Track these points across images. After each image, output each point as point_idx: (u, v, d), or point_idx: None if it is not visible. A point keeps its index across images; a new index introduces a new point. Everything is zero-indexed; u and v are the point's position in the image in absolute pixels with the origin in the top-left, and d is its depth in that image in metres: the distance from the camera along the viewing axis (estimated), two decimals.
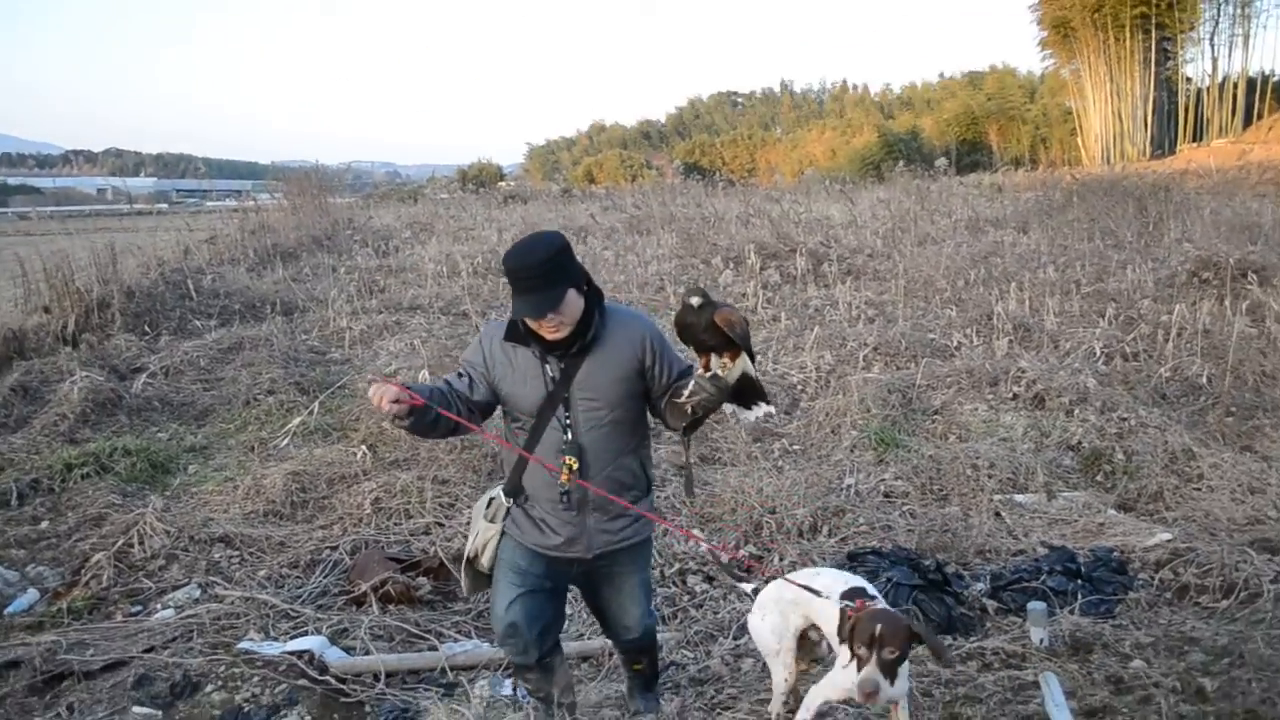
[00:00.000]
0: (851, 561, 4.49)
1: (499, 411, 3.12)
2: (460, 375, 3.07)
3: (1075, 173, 21.44)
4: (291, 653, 3.73)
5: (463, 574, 3.23)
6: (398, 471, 5.61)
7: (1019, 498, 5.37)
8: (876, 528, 4.98)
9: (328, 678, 3.59)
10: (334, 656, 3.76)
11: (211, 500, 5.58)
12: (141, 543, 4.86)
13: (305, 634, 3.96)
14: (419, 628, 4.02)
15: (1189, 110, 37.92)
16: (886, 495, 5.47)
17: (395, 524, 5.07)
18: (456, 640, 3.95)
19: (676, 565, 4.59)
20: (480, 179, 44.55)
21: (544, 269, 2.83)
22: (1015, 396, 6.82)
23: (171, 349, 9.27)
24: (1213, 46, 39.08)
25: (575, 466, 2.95)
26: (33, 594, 4.54)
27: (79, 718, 3.42)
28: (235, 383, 8.17)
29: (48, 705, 3.56)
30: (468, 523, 4.75)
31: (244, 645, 3.85)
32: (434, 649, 3.87)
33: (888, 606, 2.98)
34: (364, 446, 6.01)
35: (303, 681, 3.58)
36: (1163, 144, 37.03)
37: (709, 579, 4.49)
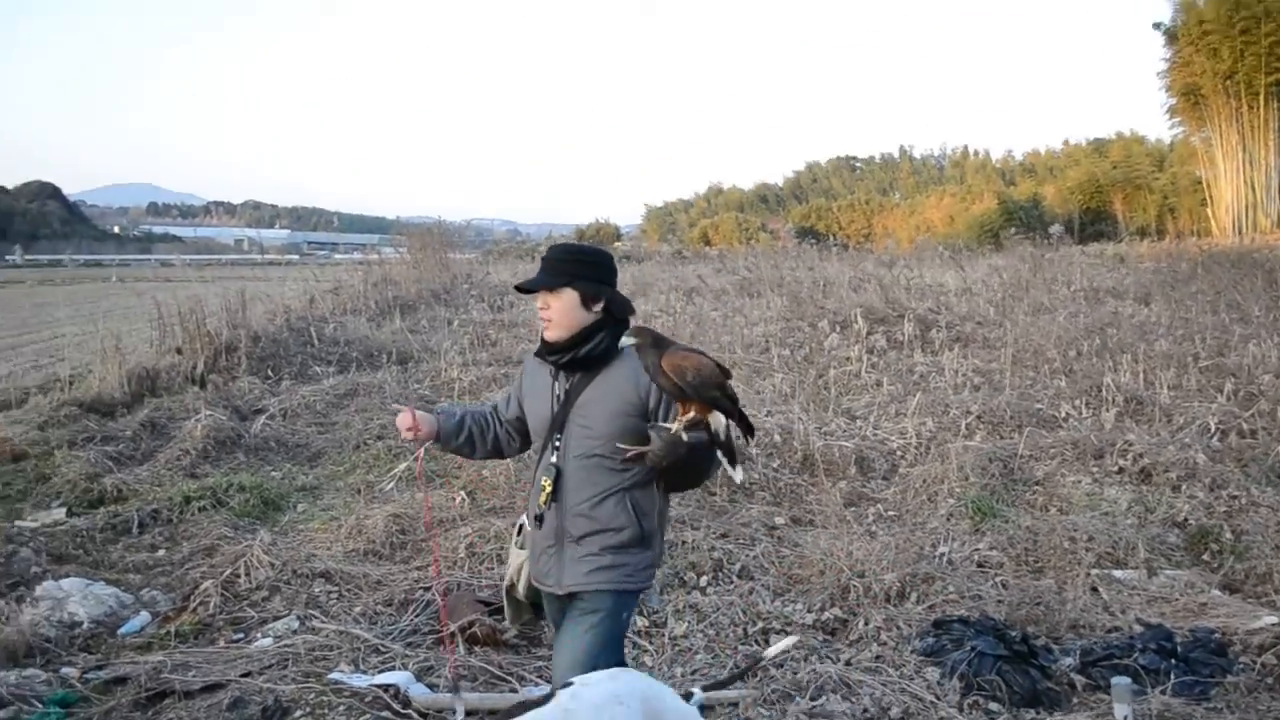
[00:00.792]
0: (937, 629, 4.44)
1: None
2: (507, 396, 3.21)
3: (1203, 243, 20.80)
4: (378, 686, 3.87)
5: (505, 602, 3.26)
6: (494, 518, 5.76)
7: (1118, 573, 5.22)
8: (966, 596, 4.90)
9: (410, 712, 3.70)
10: (418, 692, 3.88)
11: (316, 537, 5.81)
12: (248, 574, 5.09)
13: (393, 669, 4.10)
14: (502, 670, 4.12)
15: None
16: (980, 565, 5.37)
17: (488, 568, 5.20)
18: (537, 684, 4.03)
19: (760, 624, 4.59)
20: (597, 239, 45.32)
21: (562, 257, 2.97)
22: (1121, 470, 6.65)
23: (291, 392, 9.69)
24: None
25: (549, 490, 2.91)
26: (145, 616, 4.80)
27: None
28: (348, 427, 8.49)
29: None
30: None
31: (334, 676, 4.00)
32: (514, 691, 3.95)
33: None
34: (463, 492, 6.19)
35: (386, 714, 3.70)
36: None
37: None
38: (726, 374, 2.89)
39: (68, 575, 5.18)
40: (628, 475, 2.89)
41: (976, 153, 70.81)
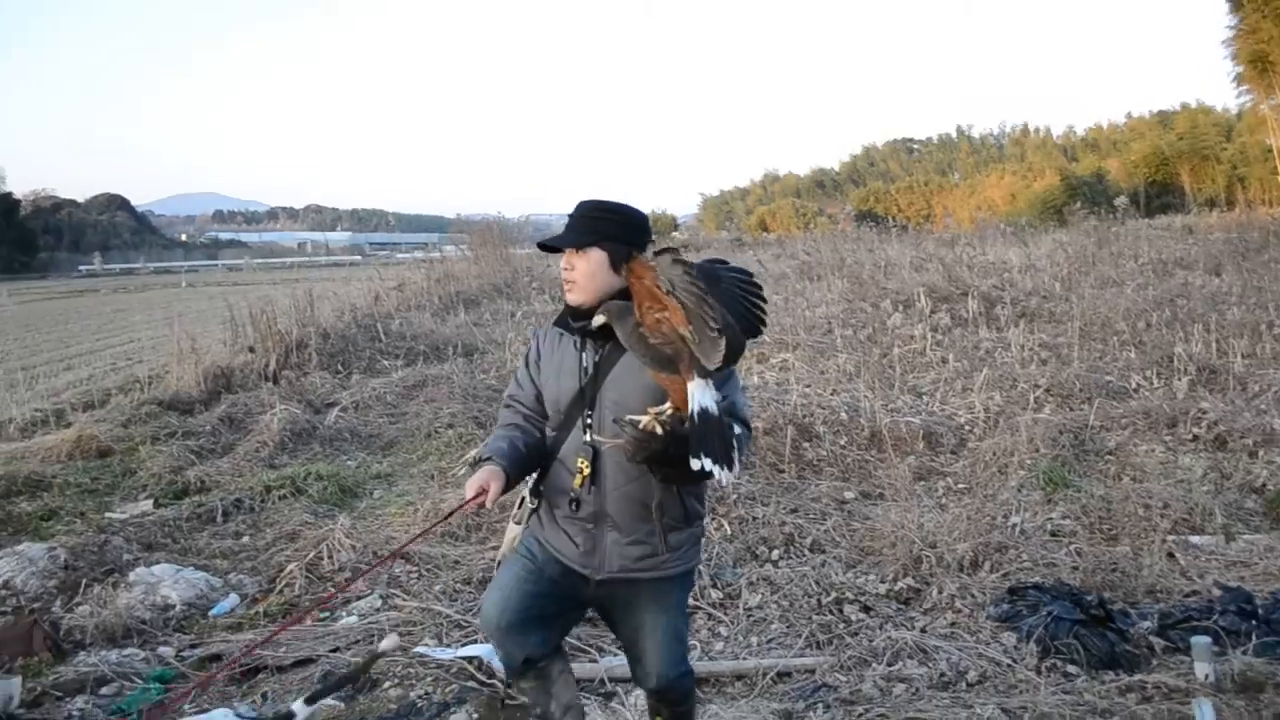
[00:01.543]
0: (1012, 596, 4.43)
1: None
2: (519, 384, 2.92)
3: (1274, 212, 20.29)
4: (463, 658, 3.98)
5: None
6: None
7: (1194, 539, 5.17)
8: (1040, 565, 4.89)
9: (495, 681, 3.80)
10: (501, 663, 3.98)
11: (394, 521, 5.95)
12: (330, 556, 5.24)
13: (475, 643, 4.20)
14: (581, 641, 4.20)
15: None
16: (1053, 534, 5.35)
17: None
18: (615, 655, 4.11)
19: (833, 594, 4.62)
20: (655, 228, 45.37)
21: (591, 214, 2.75)
22: (1195, 438, 6.57)
23: (361, 386, 9.90)
24: None
25: (588, 472, 2.69)
26: (234, 598, 4.96)
27: (272, 705, 3.73)
28: (418, 417, 8.65)
29: (245, 693, 3.90)
30: None
31: (419, 650, 4.12)
32: (594, 662, 4.03)
33: None
34: (534, 474, 6.27)
35: (471, 684, 3.81)
36: None
37: (866, 609, 4.51)
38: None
39: (158, 562, 5.37)
40: None
41: (1037, 130, 69.52)
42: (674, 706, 2.94)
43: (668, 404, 2.52)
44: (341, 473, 7.01)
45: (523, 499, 2.91)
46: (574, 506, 2.71)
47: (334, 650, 4.18)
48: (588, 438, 2.69)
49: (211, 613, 4.82)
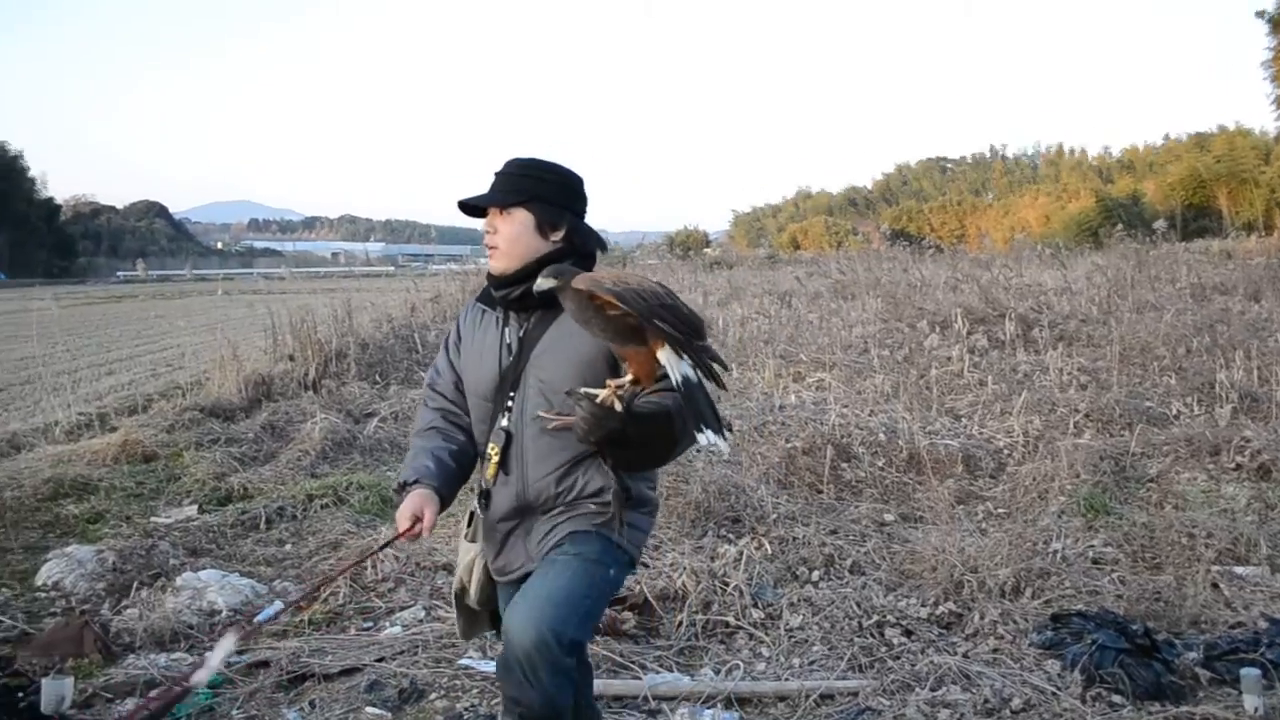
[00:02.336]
0: (1055, 623, 4.41)
1: None
2: (438, 371, 2.70)
3: None
4: None
5: (455, 612, 2.79)
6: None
7: (1239, 570, 5.12)
8: (1083, 592, 4.86)
9: None
10: None
11: (436, 532, 5.97)
12: (374, 566, 5.29)
13: None
14: (624, 658, 4.22)
15: None
16: (1095, 561, 5.31)
17: None
18: (659, 673, 4.12)
19: (875, 617, 4.61)
20: (687, 245, 45.48)
21: (518, 172, 2.52)
22: (1238, 467, 6.51)
23: (399, 396, 9.98)
24: None
25: (496, 460, 2.46)
26: (278, 605, 5.01)
27: (319, 714, 3.77)
28: None
29: (292, 701, 3.94)
30: (671, 564, 4.99)
31: (464, 661, 4.15)
32: (637, 679, 4.05)
33: None
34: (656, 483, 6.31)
35: None
36: None
37: (907, 633, 4.50)
38: (673, 297, 2.33)
39: (204, 567, 5.44)
40: None
41: (1072, 150, 69.48)
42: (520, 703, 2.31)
43: (627, 375, 2.28)
44: (382, 483, 7.06)
45: (473, 513, 2.65)
46: (484, 502, 2.51)
47: (379, 660, 4.22)
48: (504, 421, 2.45)
49: (257, 619, 4.86)
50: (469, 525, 2.68)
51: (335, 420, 8.56)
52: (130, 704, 3.83)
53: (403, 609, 4.89)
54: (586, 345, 2.40)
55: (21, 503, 6.73)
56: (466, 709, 3.79)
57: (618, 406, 2.24)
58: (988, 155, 75.12)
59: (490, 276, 2.56)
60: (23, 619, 4.80)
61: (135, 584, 5.11)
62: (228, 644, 2.49)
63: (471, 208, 2.58)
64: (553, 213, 2.51)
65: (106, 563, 5.38)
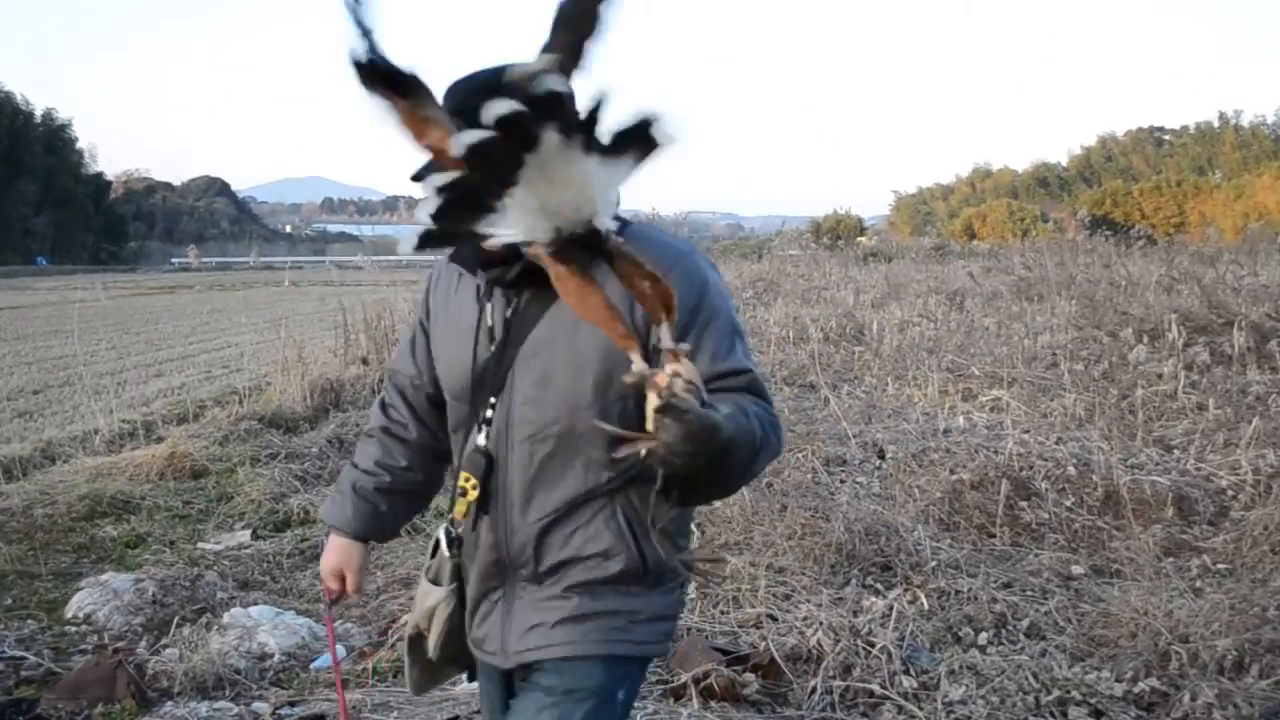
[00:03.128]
0: None
1: None
2: (401, 355, 2.40)
3: None
4: None
5: (405, 659, 2.51)
6: (728, 555, 5.86)
7: None
8: None
9: None
10: None
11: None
12: None
13: None
14: None
15: None
16: None
17: (722, 612, 5.30)
18: None
19: (1056, 692, 4.49)
20: (837, 232, 45.29)
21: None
22: None
23: None
24: None
25: (474, 497, 2.13)
26: (339, 650, 5.14)
27: None
28: None
29: None
30: (804, 618, 4.95)
31: None
32: None
33: None
34: (692, 524, 6.31)
35: None
36: None
37: (1097, 713, 4.37)
38: None
39: (255, 602, 5.61)
40: (617, 468, 2.05)
41: None
42: None
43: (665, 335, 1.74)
44: None
45: (437, 542, 2.33)
46: (455, 550, 2.23)
47: (453, 718, 4.28)
48: (481, 439, 2.12)
49: (313, 666, 5.00)
50: (432, 556, 2.33)
51: None
52: None
53: None
54: (603, 335, 1.89)
55: (54, 522, 7.05)
56: None
57: (699, 396, 1.65)
58: (1216, 125, 72.65)
59: (473, 253, 2.11)
60: (49, 656, 5.01)
61: (177, 620, 5.30)
62: None
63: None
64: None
65: (145, 594, 5.59)
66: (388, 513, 2.42)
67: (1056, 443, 7.66)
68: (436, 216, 1.53)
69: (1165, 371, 10.24)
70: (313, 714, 4.41)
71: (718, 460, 1.70)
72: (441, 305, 2.27)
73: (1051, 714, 4.37)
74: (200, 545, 6.72)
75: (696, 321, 2.00)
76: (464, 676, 2.61)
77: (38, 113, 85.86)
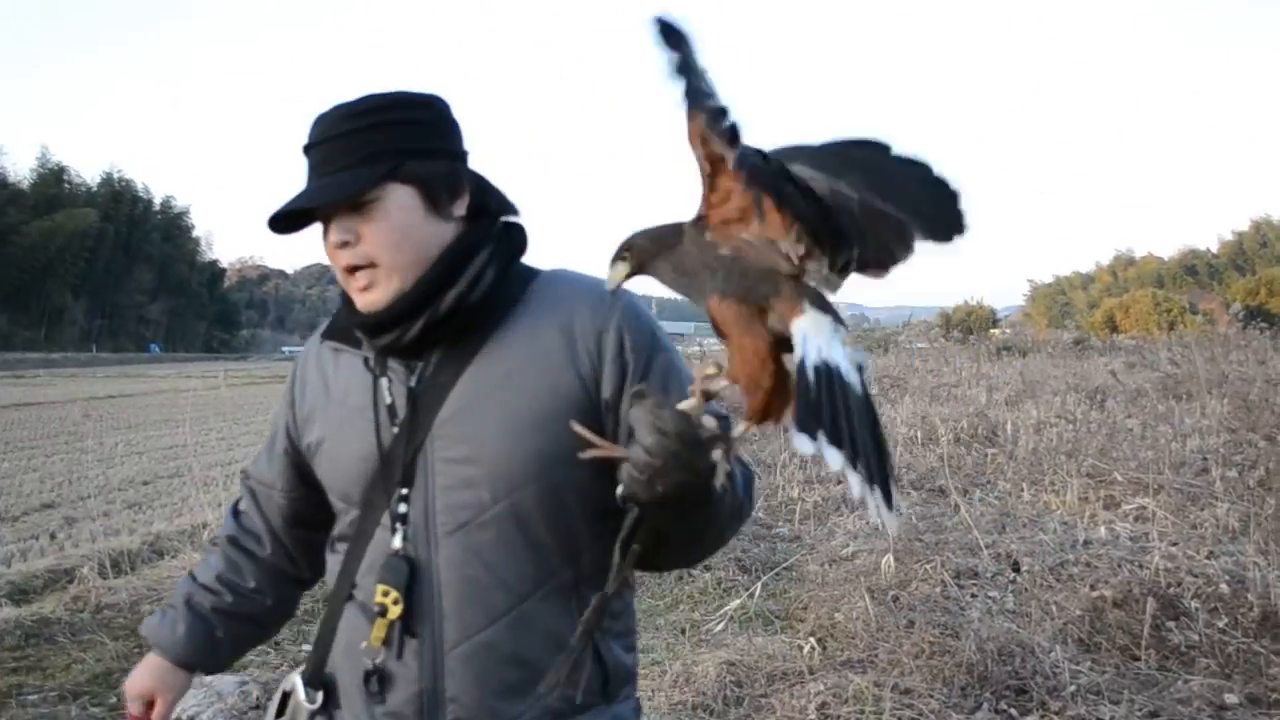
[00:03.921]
0: None
1: None
2: (269, 449, 2.12)
3: None
4: None
5: None
6: (850, 673, 5.77)
7: None
8: None
9: None
10: None
11: (640, 684, 6.03)
12: None
13: None
14: None
15: None
16: None
17: None
18: None
19: None
20: (968, 325, 44.87)
21: (361, 126, 1.76)
22: None
23: None
24: None
25: (397, 614, 1.79)
26: None
27: None
28: None
29: None
30: None
31: None
32: None
33: None
34: (812, 639, 6.24)
35: None
36: None
37: None
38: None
39: None
40: (572, 553, 1.83)
41: None
42: None
43: (718, 370, 1.49)
44: None
45: (285, 696, 1.99)
46: (375, 688, 1.82)
47: None
48: (397, 542, 1.81)
49: None
50: (279, 714, 1.98)
51: None
52: None
53: None
54: (543, 389, 1.78)
55: (139, 620, 7.20)
56: None
57: (710, 425, 1.48)
58: None
59: (356, 316, 1.86)
60: None
61: None
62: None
63: (295, 218, 1.83)
64: (444, 170, 1.82)
65: (249, 697, 5.68)
66: (224, 640, 2.11)
67: (1208, 557, 7.42)
68: None
69: None
70: None
71: (699, 514, 1.58)
72: (319, 392, 1.97)
73: None
74: (304, 647, 6.82)
75: (655, 365, 1.82)
76: None
77: (157, 201, 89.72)
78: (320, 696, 1.92)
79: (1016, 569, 7.46)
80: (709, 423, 1.47)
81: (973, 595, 6.97)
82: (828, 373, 1.30)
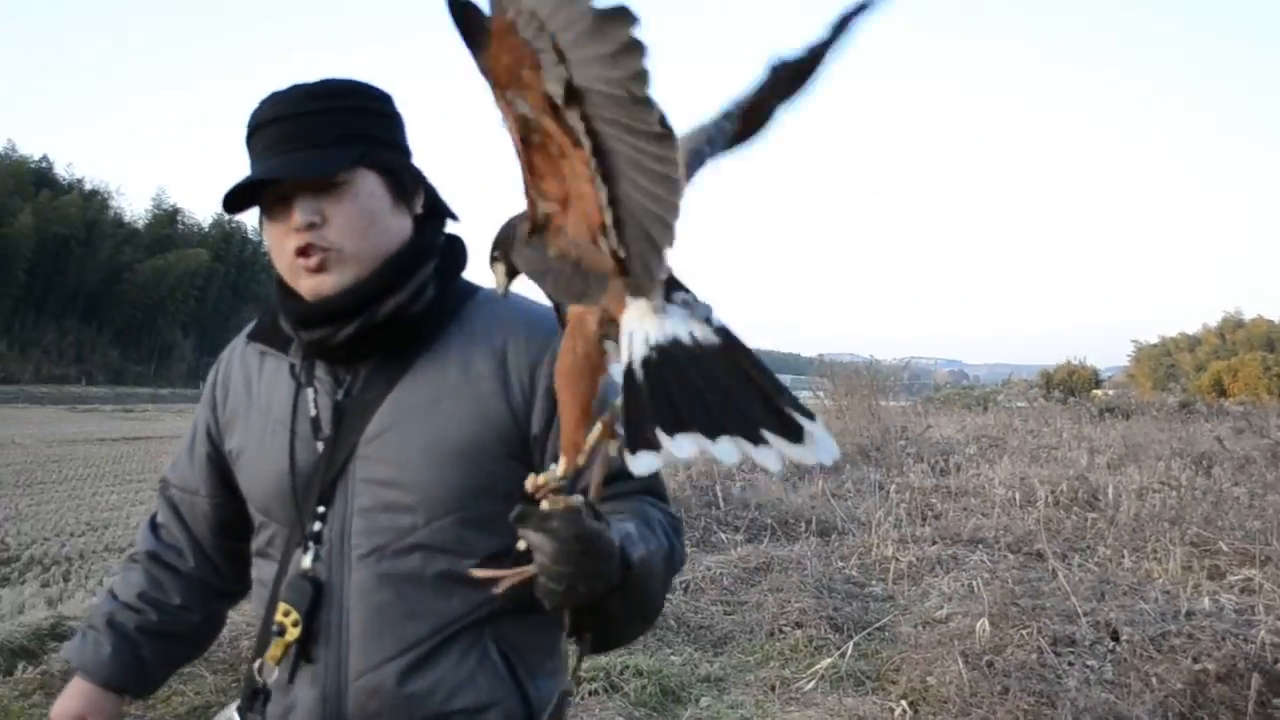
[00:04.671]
0: None
1: None
2: (188, 457, 2.02)
3: None
4: None
5: None
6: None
7: None
8: None
9: None
10: None
11: None
12: None
13: None
14: None
15: None
16: None
17: None
18: None
19: None
20: (1069, 384, 44.17)
21: (335, 106, 1.72)
22: None
23: (694, 562, 10.16)
24: None
25: (296, 635, 1.73)
26: None
27: None
28: (759, 609, 8.76)
29: None
30: None
31: None
32: None
33: None
34: (904, 702, 6.19)
35: None
36: None
37: None
38: None
39: None
40: (486, 594, 1.59)
41: None
42: None
43: (594, 427, 1.35)
44: (664, 669, 7.20)
45: None
46: (259, 708, 1.77)
47: None
48: (307, 562, 1.75)
49: None
50: None
51: None
52: None
53: None
54: (470, 416, 1.71)
55: (239, 656, 7.35)
56: None
57: (582, 499, 1.41)
58: None
59: (291, 304, 1.79)
60: None
61: None
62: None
63: (243, 196, 1.74)
64: (405, 163, 1.81)
65: None
66: (150, 660, 2.00)
67: None
68: None
69: None
70: None
71: (631, 587, 1.48)
72: (240, 395, 1.90)
73: None
74: None
75: None
76: None
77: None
78: (261, 706, 1.81)
79: (1115, 638, 7.31)
80: (575, 499, 1.39)
81: (1070, 663, 6.85)
82: (659, 356, 1.18)
